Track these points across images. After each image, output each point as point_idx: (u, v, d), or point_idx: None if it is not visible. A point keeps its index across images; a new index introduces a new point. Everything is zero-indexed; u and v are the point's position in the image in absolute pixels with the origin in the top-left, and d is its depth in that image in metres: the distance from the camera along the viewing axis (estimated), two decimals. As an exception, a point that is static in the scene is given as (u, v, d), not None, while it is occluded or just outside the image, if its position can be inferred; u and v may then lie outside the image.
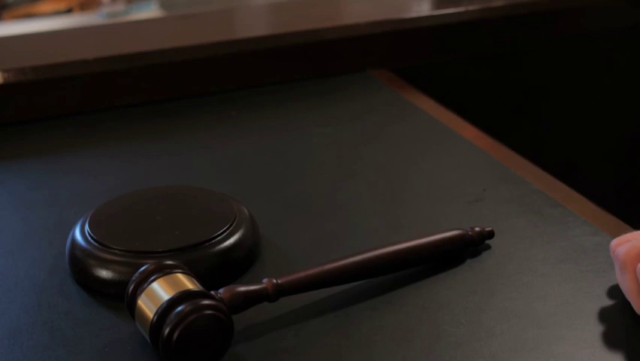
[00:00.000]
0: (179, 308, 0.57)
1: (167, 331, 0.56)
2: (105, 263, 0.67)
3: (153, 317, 0.58)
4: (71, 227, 0.72)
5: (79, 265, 0.69)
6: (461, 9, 1.22)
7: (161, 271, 0.61)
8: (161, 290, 0.59)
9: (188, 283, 0.60)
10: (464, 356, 0.59)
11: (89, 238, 0.69)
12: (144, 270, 0.61)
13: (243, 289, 0.62)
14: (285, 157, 0.93)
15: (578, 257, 0.70)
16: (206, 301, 0.58)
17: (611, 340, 0.60)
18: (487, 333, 0.61)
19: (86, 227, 0.70)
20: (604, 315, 0.63)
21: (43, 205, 0.83)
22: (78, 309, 0.66)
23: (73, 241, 0.70)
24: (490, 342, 0.60)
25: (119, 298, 0.65)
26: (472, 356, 0.59)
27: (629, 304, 0.63)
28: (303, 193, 0.84)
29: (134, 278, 0.61)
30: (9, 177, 0.91)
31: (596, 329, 0.61)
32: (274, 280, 0.63)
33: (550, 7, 1.27)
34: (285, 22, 1.25)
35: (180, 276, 0.61)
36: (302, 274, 0.64)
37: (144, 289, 0.60)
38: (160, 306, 0.58)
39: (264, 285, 0.62)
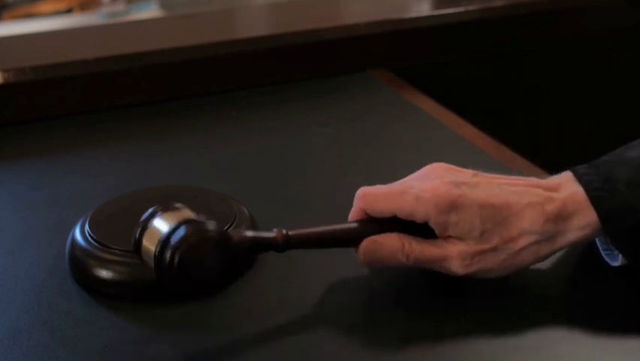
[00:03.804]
0: (182, 233, 0.57)
1: (168, 254, 0.56)
2: (105, 263, 0.67)
3: (156, 247, 0.57)
4: (71, 227, 0.72)
5: (79, 265, 0.69)
6: (461, 9, 1.22)
7: (164, 209, 0.61)
8: (163, 223, 0.59)
9: (190, 213, 0.60)
10: (464, 356, 0.59)
11: (89, 238, 0.69)
12: (146, 216, 0.61)
13: (251, 233, 0.63)
14: (285, 157, 0.93)
15: (578, 256, 0.70)
16: (210, 227, 0.57)
17: (611, 340, 0.60)
18: (486, 333, 0.61)
19: (86, 227, 0.70)
20: (604, 315, 0.63)
21: (43, 205, 0.83)
22: (78, 309, 0.66)
23: (74, 240, 0.70)
24: (490, 342, 0.60)
25: (119, 298, 0.65)
26: (473, 356, 0.59)
27: (629, 304, 0.63)
28: (303, 193, 0.84)
29: (139, 221, 0.61)
30: (9, 177, 0.91)
31: (597, 328, 0.61)
32: (284, 231, 0.63)
33: (550, 7, 1.27)
34: (285, 22, 1.25)
35: (183, 210, 0.61)
36: (312, 229, 0.64)
37: (147, 228, 0.60)
38: (161, 236, 0.57)
39: (273, 234, 0.63)
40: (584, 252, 0.71)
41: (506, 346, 0.60)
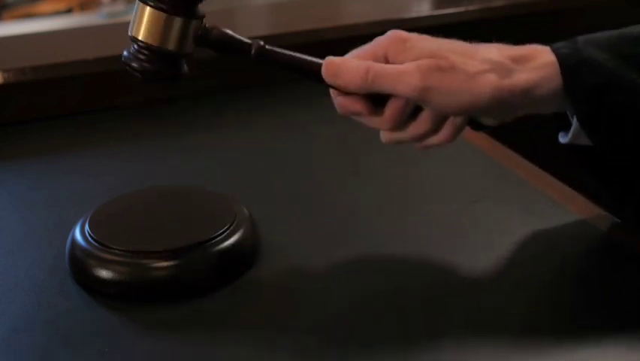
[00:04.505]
0: None
1: None
2: (105, 263, 0.67)
3: None
4: (71, 227, 0.72)
5: (79, 265, 0.69)
6: (461, 9, 1.22)
7: None
8: None
9: None
10: (464, 356, 0.59)
11: (89, 238, 0.69)
12: None
13: (230, 33, 0.66)
14: (285, 157, 0.93)
15: (579, 257, 0.70)
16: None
17: (612, 339, 0.60)
18: (486, 333, 0.61)
19: (86, 227, 0.70)
20: (605, 314, 0.63)
21: (43, 205, 0.83)
22: (78, 309, 0.66)
23: (74, 240, 0.70)
24: (490, 342, 0.60)
25: (119, 298, 0.65)
26: (473, 356, 0.59)
27: (629, 303, 0.63)
28: (303, 193, 0.84)
29: None
30: (9, 177, 0.91)
31: (598, 327, 0.61)
32: (261, 42, 0.66)
33: (550, 7, 1.27)
34: (285, 22, 1.25)
35: None
36: (286, 51, 0.67)
37: None
38: None
39: (249, 40, 0.66)
40: (585, 252, 0.71)
41: (506, 346, 0.60)
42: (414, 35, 0.65)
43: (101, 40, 1.19)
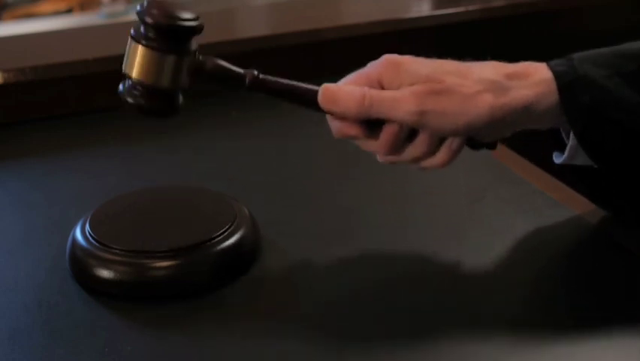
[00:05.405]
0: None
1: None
2: (106, 263, 0.67)
3: None
4: (71, 227, 0.72)
5: (79, 265, 0.69)
6: (461, 9, 1.22)
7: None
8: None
9: None
10: (464, 356, 0.59)
11: (90, 238, 0.69)
12: None
13: (225, 64, 0.66)
14: (285, 157, 0.93)
15: (579, 257, 0.70)
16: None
17: (612, 338, 0.60)
18: (486, 332, 0.61)
19: (87, 227, 0.70)
20: (606, 314, 0.63)
21: (43, 205, 0.83)
22: (78, 309, 0.66)
23: (74, 240, 0.70)
24: (490, 341, 0.60)
25: (119, 298, 0.65)
26: (473, 356, 0.59)
27: (630, 303, 0.63)
28: (303, 193, 0.84)
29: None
30: (9, 177, 0.91)
31: (598, 327, 0.61)
32: (255, 72, 0.66)
33: (550, 7, 1.27)
34: (285, 22, 1.25)
35: None
36: (280, 79, 0.68)
37: None
38: None
39: (243, 71, 0.66)
40: (585, 251, 0.71)
41: (506, 345, 0.60)
42: (407, 59, 0.65)
43: (101, 40, 1.19)
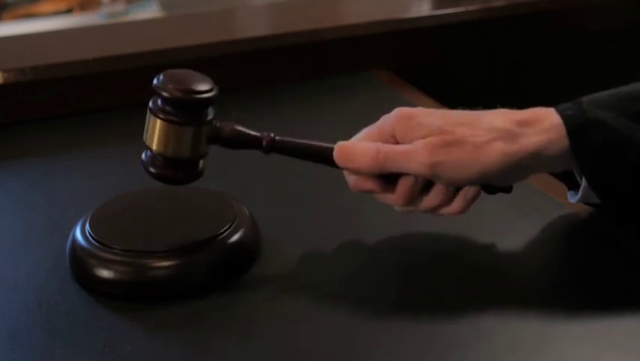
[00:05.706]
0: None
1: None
2: (106, 263, 0.67)
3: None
4: (71, 227, 0.72)
5: (79, 265, 0.69)
6: (461, 9, 1.22)
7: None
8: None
9: None
10: (464, 356, 0.59)
11: (90, 238, 0.69)
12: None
13: (242, 129, 0.67)
14: (286, 157, 0.93)
15: (579, 256, 0.70)
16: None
17: (612, 338, 0.60)
18: (486, 333, 0.61)
19: (87, 227, 0.70)
20: (606, 314, 0.63)
21: (43, 205, 0.83)
22: (78, 309, 0.66)
23: (74, 240, 0.70)
24: (490, 342, 0.60)
25: (120, 298, 0.65)
26: (473, 356, 0.59)
27: (630, 304, 0.63)
28: (303, 193, 0.84)
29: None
30: (9, 177, 0.91)
31: (597, 327, 0.61)
32: (272, 135, 0.67)
33: (550, 7, 1.27)
34: (285, 22, 1.25)
35: None
36: (295, 139, 0.69)
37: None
38: None
39: (259, 134, 0.67)
40: (585, 250, 0.71)
41: (506, 346, 0.60)
42: (419, 111, 0.66)
43: (101, 40, 1.19)
